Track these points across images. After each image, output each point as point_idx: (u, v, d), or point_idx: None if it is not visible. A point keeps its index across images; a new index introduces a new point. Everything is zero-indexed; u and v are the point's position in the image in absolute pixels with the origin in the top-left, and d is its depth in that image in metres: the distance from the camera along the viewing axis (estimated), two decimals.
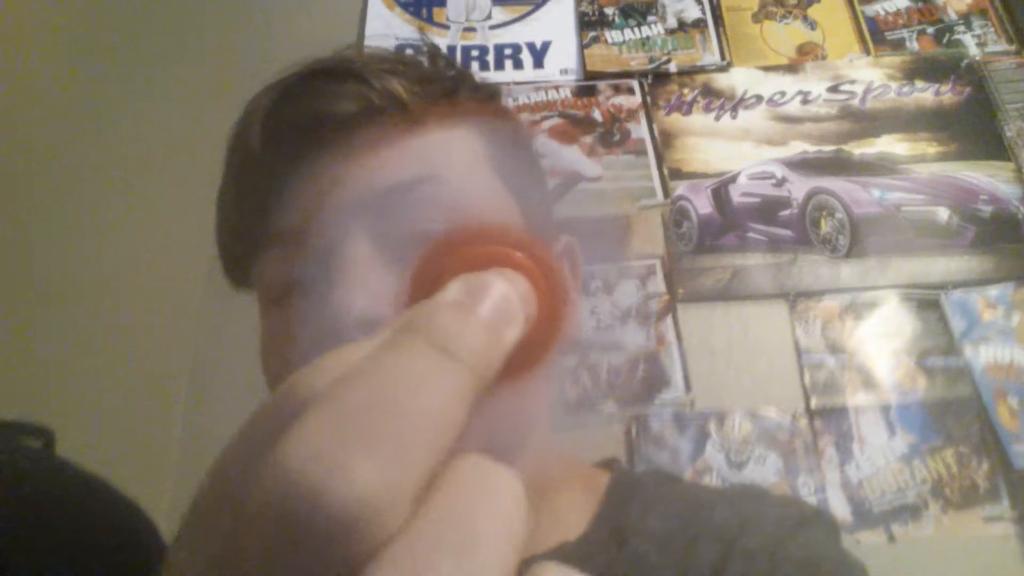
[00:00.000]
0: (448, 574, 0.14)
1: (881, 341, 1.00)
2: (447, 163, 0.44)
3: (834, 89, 1.20)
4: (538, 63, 1.27)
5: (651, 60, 1.24)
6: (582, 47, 1.26)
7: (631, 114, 1.19)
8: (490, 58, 1.28)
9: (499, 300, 0.19)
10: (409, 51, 0.52)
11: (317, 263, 0.42)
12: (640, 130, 1.17)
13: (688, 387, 0.98)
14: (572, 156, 1.15)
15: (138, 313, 1.01)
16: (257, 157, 0.44)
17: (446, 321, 0.18)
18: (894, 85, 1.19)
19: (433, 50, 0.51)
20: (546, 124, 1.18)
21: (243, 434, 0.17)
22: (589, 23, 1.29)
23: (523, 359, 0.20)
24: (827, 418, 0.95)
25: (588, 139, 1.17)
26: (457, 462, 0.16)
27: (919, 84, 1.19)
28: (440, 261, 0.21)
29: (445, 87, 0.47)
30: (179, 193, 1.03)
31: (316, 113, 0.43)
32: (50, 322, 1.07)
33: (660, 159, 1.14)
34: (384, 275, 0.41)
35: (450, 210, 0.42)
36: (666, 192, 1.11)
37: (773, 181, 1.12)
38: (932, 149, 1.13)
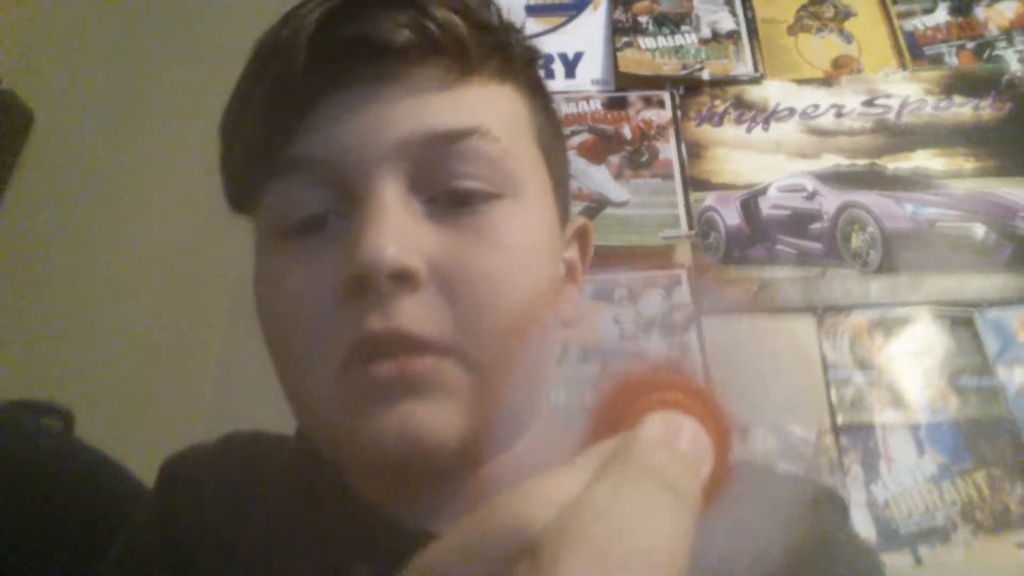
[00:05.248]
0: None
1: (911, 358, 0.97)
2: (497, 119, 0.41)
3: (869, 103, 1.18)
4: (570, 73, 1.27)
5: (684, 67, 1.24)
6: (614, 51, 1.26)
7: (661, 131, 1.18)
8: None
9: (694, 438, 0.20)
10: None
11: (345, 201, 0.39)
12: (669, 150, 1.16)
13: None
14: (601, 178, 1.14)
15: (164, 292, 1.03)
16: (297, 74, 0.40)
17: (664, 460, 0.19)
18: (931, 100, 1.17)
19: None
20: (575, 140, 1.18)
21: (456, 553, 0.18)
22: (622, 30, 1.29)
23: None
24: (853, 435, 0.93)
25: (615, 159, 1.16)
26: None
27: (957, 99, 1.17)
28: (623, 403, 0.22)
29: (500, 40, 0.44)
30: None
31: (372, 38, 0.39)
32: (75, 304, 1.08)
33: (687, 187, 1.12)
34: (416, 225, 0.39)
35: (493, 169, 0.40)
36: (691, 224, 1.09)
37: (804, 194, 1.10)
38: (969, 164, 1.11)
